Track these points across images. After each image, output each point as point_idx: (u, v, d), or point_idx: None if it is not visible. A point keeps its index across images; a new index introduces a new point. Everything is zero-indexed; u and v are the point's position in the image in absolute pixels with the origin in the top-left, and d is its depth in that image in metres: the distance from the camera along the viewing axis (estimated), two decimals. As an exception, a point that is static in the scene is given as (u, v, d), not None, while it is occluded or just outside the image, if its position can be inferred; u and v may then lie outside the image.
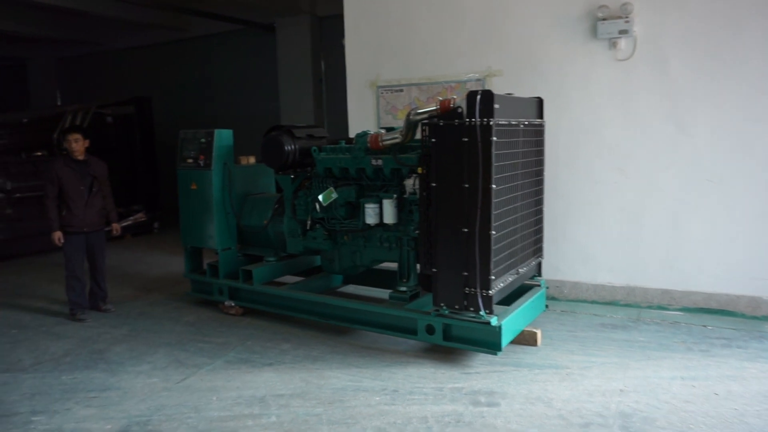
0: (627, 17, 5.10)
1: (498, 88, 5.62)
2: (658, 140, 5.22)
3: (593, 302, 5.60)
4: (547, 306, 5.16)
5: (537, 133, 4.84)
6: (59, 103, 14.73)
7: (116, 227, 5.97)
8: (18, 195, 8.54)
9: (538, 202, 4.97)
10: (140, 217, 10.17)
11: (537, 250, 5.04)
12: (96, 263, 5.83)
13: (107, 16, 11.20)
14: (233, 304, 5.58)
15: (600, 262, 5.58)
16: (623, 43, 5.21)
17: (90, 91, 13.90)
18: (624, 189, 5.40)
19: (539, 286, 5.05)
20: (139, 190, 10.26)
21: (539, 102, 4.94)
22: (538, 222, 5.00)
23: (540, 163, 4.94)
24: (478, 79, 5.86)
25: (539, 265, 5.12)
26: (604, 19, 5.18)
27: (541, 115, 4.96)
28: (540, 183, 4.97)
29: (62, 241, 5.52)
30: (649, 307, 5.38)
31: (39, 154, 9.01)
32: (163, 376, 4.25)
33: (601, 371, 4.08)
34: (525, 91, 5.16)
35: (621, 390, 3.79)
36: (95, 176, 5.68)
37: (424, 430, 3.37)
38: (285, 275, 6.13)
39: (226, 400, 3.82)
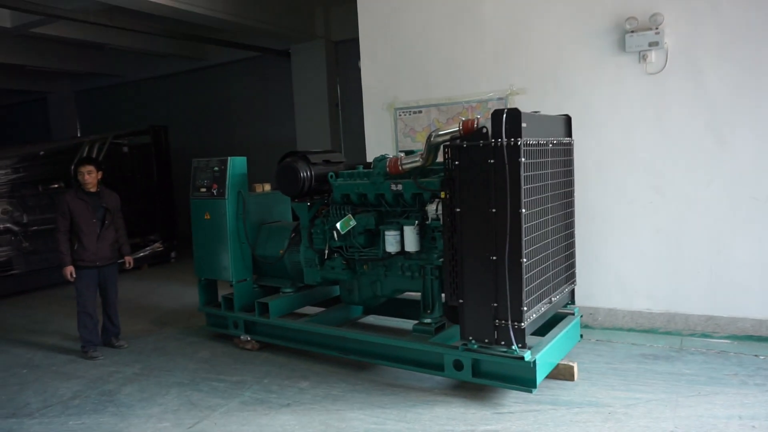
0: (657, 29, 4.84)
1: (521, 106, 5.31)
2: (695, 156, 4.91)
3: (630, 330, 5.24)
4: (581, 336, 4.82)
5: (566, 153, 4.57)
6: (79, 135, 14.84)
7: (129, 260, 5.79)
8: (35, 228, 8.46)
9: (569, 226, 4.67)
10: (157, 247, 10.05)
11: (569, 277, 4.72)
12: (108, 298, 5.64)
13: (126, 48, 11.26)
14: (249, 339, 5.33)
15: (636, 288, 5.24)
16: (654, 55, 4.94)
17: (109, 122, 13.96)
18: (660, 209, 5.08)
19: (573, 314, 4.73)
20: (155, 219, 10.15)
21: (567, 120, 4.68)
22: (570, 246, 4.69)
23: (570, 184, 4.65)
24: (500, 98, 5.62)
25: (572, 292, 4.80)
26: (632, 32, 4.93)
27: (569, 134, 4.69)
28: (570, 205, 4.67)
29: (74, 276, 5.34)
30: (692, 335, 5.01)
31: (56, 186, 8.94)
32: (175, 420, 4.00)
33: (647, 409, 3.73)
34: (550, 109, 4.91)
35: (673, 431, 3.44)
36: (108, 208, 5.51)
37: (456, 482, 3.06)
38: (304, 306, 5.88)
39: (241, 448, 3.55)
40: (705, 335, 4.96)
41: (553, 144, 4.22)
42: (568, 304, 4.78)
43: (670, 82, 4.95)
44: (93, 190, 5.46)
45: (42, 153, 8.80)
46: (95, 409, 4.26)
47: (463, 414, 3.84)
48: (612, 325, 5.33)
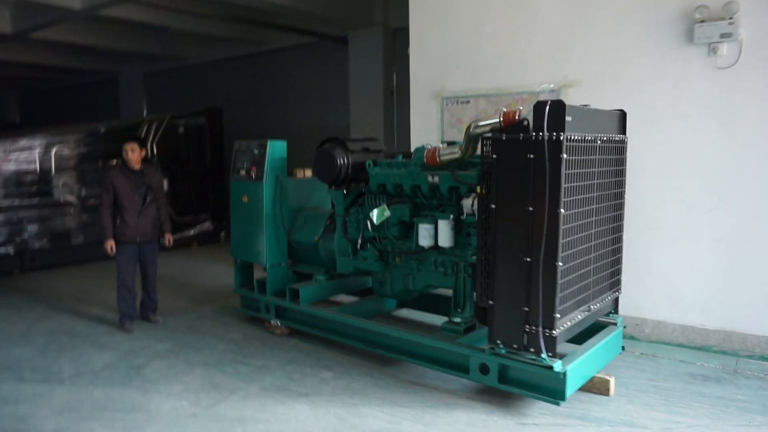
0: (731, 18, 4.40)
1: (575, 99, 5.05)
2: (766, 161, 4.46)
3: (680, 346, 4.85)
4: (623, 348, 4.50)
5: (618, 151, 4.25)
6: (145, 115, 15.37)
7: (169, 238, 5.87)
8: (93, 201, 8.79)
9: (617, 230, 4.35)
10: (207, 226, 10.25)
11: (614, 284, 4.41)
12: (147, 274, 5.76)
13: (189, 31, 11.50)
14: (279, 324, 5.30)
15: (690, 301, 4.83)
16: (726, 48, 4.50)
17: (174, 103, 14.36)
18: (722, 217, 4.66)
19: (615, 324, 4.41)
20: (207, 199, 10.36)
21: (622, 115, 4.34)
22: (617, 252, 4.38)
23: (620, 184, 4.32)
24: (553, 90, 5.31)
25: (616, 300, 4.48)
26: (702, 21, 4.51)
27: (623, 131, 4.35)
28: (620, 207, 4.35)
29: (114, 250, 5.46)
30: (750, 357, 4.58)
31: (114, 162, 9.26)
32: (194, 399, 4.00)
33: (687, 436, 3.42)
34: (606, 103, 4.56)
35: (713, 463, 3.12)
36: (150, 186, 5.59)
37: (465, 494, 2.88)
38: (337, 295, 5.80)
39: (252, 435, 3.50)
40: (764, 358, 4.52)
41: (602, 141, 3.92)
42: (611, 312, 4.47)
43: (743, 78, 4.50)
44: (137, 167, 5.55)
45: (102, 131, 9.11)
46: (122, 381, 4.33)
47: (484, 421, 3.64)
48: (660, 338, 4.95)
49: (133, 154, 5.49)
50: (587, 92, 5.09)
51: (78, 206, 8.70)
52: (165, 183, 9.81)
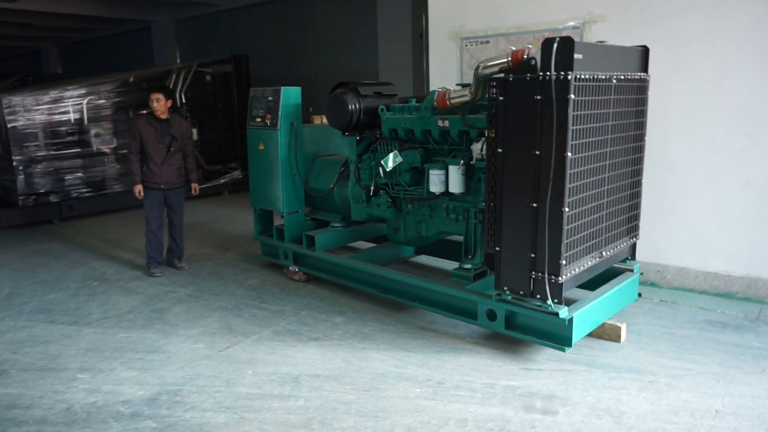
0: (770, -60, 4.02)
1: (600, 36, 4.80)
2: (803, 99, 4.15)
3: (702, 292, 4.71)
4: (640, 294, 4.39)
5: (638, 90, 4.01)
6: (178, 62, 15.44)
7: (195, 187, 5.99)
8: (124, 151, 8.99)
9: (636, 173, 4.17)
10: (237, 174, 10.39)
11: (631, 230, 4.27)
12: (174, 221, 5.93)
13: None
14: (296, 270, 5.40)
15: (715, 246, 4.65)
16: (763, -26, 4.14)
17: (205, 51, 14.36)
18: (753, 159, 4.40)
19: (632, 271, 4.30)
20: (236, 147, 10.45)
21: (643, 52, 4.08)
22: (635, 196, 4.21)
23: (640, 126, 4.11)
24: (576, 27, 5.03)
25: (633, 246, 4.35)
26: (738, -55, 4.13)
27: (645, 68, 4.10)
28: (640, 150, 4.15)
29: (142, 194, 5.66)
30: (776, 305, 4.42)
31: (144, 112, 9.39)
32: (209, 342, 4.16)
33: (695, 383, 3.35)
34: (634, 40, 4.30)
35: (717, 411, 3.06)
36: (174, 136, 5.68)
37: (459, 436, 2.93)
38: (355, 241, 5.85)
39: (261, 376, 3.62)
40: (791, 306, 4.36)
41: (618, 80, 3.70)
42: (627, 259, 4.35)
43: (782, 8, 4.15)
44: (163, 116, 5.64)
45: (131, 80, 9.20)
46: (144, 324, 4.53)
47: (489, 366, 3.65)
48: (682, 285, 4.82)
49: (159, 104, 5.57)
50: (612, 29, 4.82)
51: (112, 155, 8.93)
52: (194, 132, 9.94)
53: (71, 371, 3.78)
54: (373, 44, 10.79)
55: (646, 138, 4.16)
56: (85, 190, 8.73)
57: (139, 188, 5.66)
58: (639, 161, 4.18)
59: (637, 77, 3.95)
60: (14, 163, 8.02)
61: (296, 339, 4.15)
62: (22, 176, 8.09)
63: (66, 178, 8.55)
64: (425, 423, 3.05)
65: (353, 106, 4.82)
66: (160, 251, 5.90)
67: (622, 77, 3.76)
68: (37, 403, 3.38)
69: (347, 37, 11.69)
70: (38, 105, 8.30)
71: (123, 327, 4.49)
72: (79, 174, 8.68)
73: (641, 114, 4.10)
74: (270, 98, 5.35)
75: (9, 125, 7.97)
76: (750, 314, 4.30)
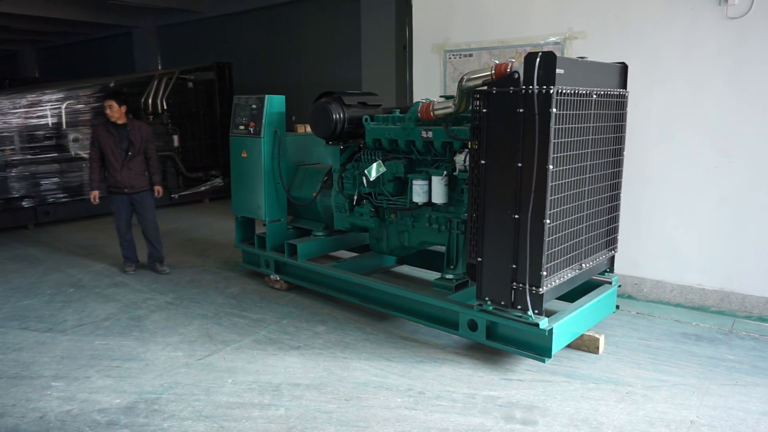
0: (744, -36, 4.16)
1: (580, 52, 4.89)
2: (775, 117, 4.28)
3: (678, 305, 4.81)
4: (617, 307, 4.46)
5: (617, 106, 4.10)
6: (160, 69, 15.32)
7: (158, 189, 6.00)
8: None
9: (615, 187, 4.25)
10: (218, 182, 10.33)
11: (610, 242, 4.34)
12: (145, 224, 5.95)
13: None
14: (278, 279, 5.37)
15: (690, 260, 4.76)
16: (738, -4, 4.27)
17: (187, 58, 14.28)
18: (727, 175, 4.52)
19: (610, 283, 4.37)
20: (218, 155, 10.39)
21: (622, 68, 4.17)
22: (613, 210, 4.29)
23: (619, 140, 4.20)
24: (557, 42, 5.13)
25: (612, 259, 4.42)
26: (714, -32, 4.27)
27: (623, 84, 4.19)
28: (618, 165, 4.24)
29: (97, 200, 5.83)
30: (748, 318, 4.52)
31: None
32: (189, 350, 4.11)
33: (671, 394, 3.41)
34: (612, 56, 4.41)
35: (692, 421, 3.12)
36: (132, 140, 5.71)
37: (440, 446, 2.93)
38: (337, 251, 5.84)
39: (241, 384, 3.59)
40: (762, 319, 4.46)
41: (598, 95, 3.78)
42: (606, 271, 4.42)
43: (754, 29, 4.28)
44: (120, 122, 5.69)
45: (112, 85, 9.11)
46: (121, 332, 4.46)
47: (470, 376, 3.67)
48: (658, 298, 4.91)
49: (111, 110, 5.65)
50: (593, 45, 4.92)
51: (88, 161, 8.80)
52: (175, 139, 9.87)
53: (45, 379, 3.70)
54: (356, 55, 10.86)
55: (625, 152, 4.24)
56: (61, 195, 8.59)
57: (94, 194, 5.87)
58: (618, 175, 4.26)
59: (616, 93, 4.04)
60: (-11, 167, 7.87)
61: (277, 348, 4.13)
62: (-3, 180, 7.93)
63: (42, 182, 8.40)
64: (406, 432, 3.05)
65: (337, 116, 4.84)
66: (133, 250, 6.01)
67: (602, 92, 3.84)
68: (9, 411, 3.30)
69: (331, 46, 11.75)
70: (15, 108, 8.16)
71: (100, 334, 4.42)
72: (56, 179, 8.54)
73: (620, 129, 4.18)
74: (254, 106, 5.35)
75: (-16, 128, 7.83)
76: (723, 327, 4.39)
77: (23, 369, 3.85)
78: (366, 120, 4.79)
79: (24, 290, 5.48)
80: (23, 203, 8.18)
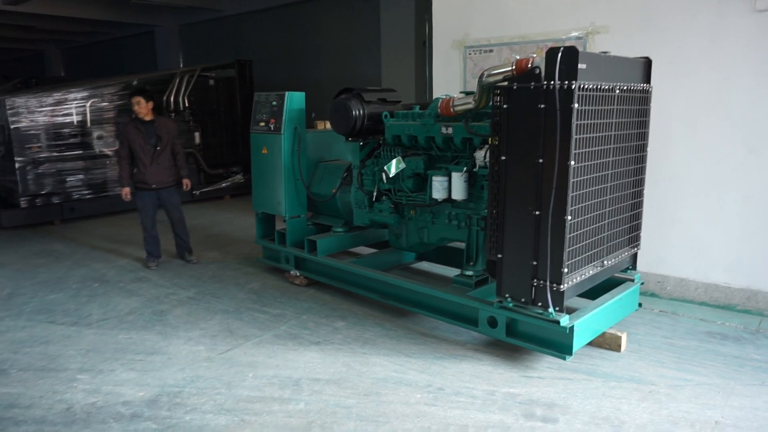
0: (773, -45, 4.07)
1: (603, 47, 4.82)
2: (804, 112, 4.18)
3: (702, 304, 4.73)
4: (640, 304, 4.41)
5: (640, 101, 4.05)
6: (182, 66, 15.48)
7: (186, 183, 6.16)
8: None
9: (638, 183, 4.19)
10: (239, 179, 10.41)
11: (632, 239, 4.29)
12: (173, 218, 6.10)
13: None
14: (298, 274, 5.41)
15: (715, 258, 4.67)
16: (766, -12, 4.18)
17: (209, 56, 14.42)
18: (754, 172, 4.43)
19: (633, 280, 4.31)
20: (238, 151, 10.47)
21: (646, 63, 4.11)
22: (636, 206, 4.23)
23: (643, 136, 4.14)
24: (579, 38, 5.06)
25: (634, 256, 4.36)
26: (741, -41, 4.18)
27: (647, 79, 4.13)
28: (641, 161, 4.18)
29: (129, 197, 5.90)
30: (776, 317, 4.43)
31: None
32: (210, 344, 4.16)
33: (695, 393, 3.36)
34: (636, 51, 4.35)
35: (717, 422, 3.07)
36: (160, 136, 5.83)
37: (459, 442, 2.93)
38: (357, 246, 5.86)
39: (261, 379, 3.62)
40: (790, 318, 4.37)
41: (621, 90, 3.73)
42: (628, 269, 4.36)
43: (784, 22, 4.19)
44: (147, 118, 5.81)
45: (135, 83, 9.23)
46: (144, 326, 4.53)
47: (489, 373, 3.66)
48: (682, 296, 4.83)
49: (139, 107, 5.77)
50: (615, 40, 4.85)
51: (114, 158, 8.94)
52: (197, 136, 9.98)
53: (71, 372, 3.78)
54: (376, 51, 10.86)
55: (648, 149, 4.18)
56: (86, 191, 8.75)
57: (126, 191, 5.95)
58: (641, 171, 4.20)
59: (639, 88, 3.98)
60: (16, 164, 8.04)
61: (297, 343, 4.16)
62: (24, 177, 8.10)
63: (68, 179, 8.56)
64: (425, 428, 3.05)
65: (357, 112, 4.85)
66: (157, 246, 6.12)
67: (625, 88, 3.79)
68: (36, 403, 3.38)
69: (351, 43, 11.76)
70: (41, 107, 8.32)
71: (123, 328, 4.49)
72: (81, 176, 8.70)
73: (643, 125, 4.13)
74: (274, 103, 5.38)
75: (12, 126, 8.00)
76: (750, 326, 4.31)
77: (50, 362, 3.93)
78: (386, 116, 4.78)
79: (51, 284, 5.60)
80: (50, 199, 8.35)
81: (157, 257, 6.09)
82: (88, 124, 8.74)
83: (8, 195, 8.46)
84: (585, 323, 3.67)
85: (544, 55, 3.35)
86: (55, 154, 8.41)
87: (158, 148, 5.83)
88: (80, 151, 8.67)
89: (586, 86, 3.33)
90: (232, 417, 3.19)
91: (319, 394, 3.42)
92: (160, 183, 5.89)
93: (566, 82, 3.26)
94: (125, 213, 8.96)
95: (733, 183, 4.51)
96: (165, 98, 9.73)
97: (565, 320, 3.52)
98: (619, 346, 3.91)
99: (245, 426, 3.10)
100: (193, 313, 4.78)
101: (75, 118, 8.66)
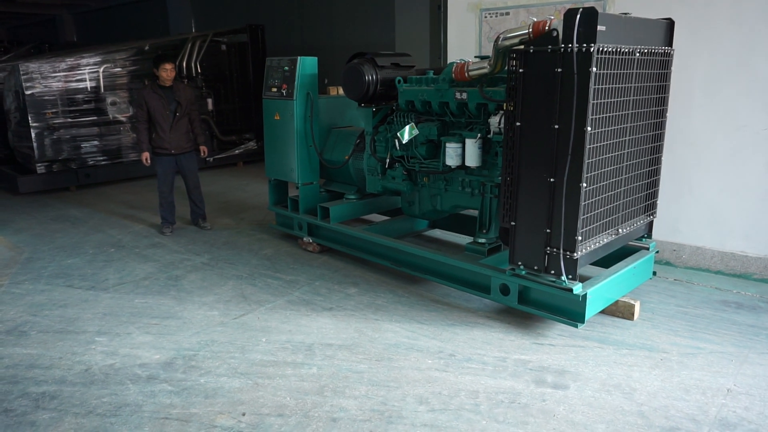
0: None
1: (623, 8, 4.66)
2: (832, 76, 4.04)
3: (718, 273, 4.68)
4: (654, 273, 4.37)
5: (661, 65, 3.93)
6: (194, 31, 15.32)
7: (204, 149, 6.18)
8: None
9: (656, 150, 4.11)
10: (252, 145, 10.39)
11: (648, 207, 4.22)
12: (189, 184, 6.14)
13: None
14: (311, 241, 5.43)
15: (733, 226, 4.60)
16: (797, -55, 3.99)
17: (220, 21, 14.24)
18: (776, 138, 4.31)
19: (647, 249, 4.27)
20: (251, 118, 10.43)
21: (668, 25, 3.97)
22: (653, 174, 4.16)
23: (662, 101, 4.03)
24: (599, -1, 4.90)
25: (650, 225, 4.31)
26: None
27: (669, 42, 4.00)
28: (660, 127, 4.08)
29: (149, 161, 5.90)
30: (793, 286, 4.37)
31: (146, 82, 9.36)
32: (224, 309, 4.21)
33: (707, 361, 3.34)
34: (657, 12, 4.19)
35: (729, 390, 3.06)
36: (180, 102, 5.83)
37: (470, 407, 2.95)
38: (369, 214, 5.85)
39: (275, 343, 3.67)
40: (808, 288, 4.31)
41: (641, 53, 3.62)
42: (644, 237, 4.31)
43: (814, -18, 4.01)
44: (168, 84, 5.74)
45: (147, 48, 9.17)
46: (160, 291, 4.59)
47: (501, 340, 3.67)
48: (697, 265, 4.78)
49: (167, 73, 5.79)
50: (637, 1, 4.68)
51: (128, 124, 8.96)
52: (209, 102, 9.93)
53: (89, 334, 3.85)
54: (390, 15, 10.63)
55: (668, 114, 4.08)
56: (101, 157, 8.80)
57: (146, 155, 5.94)
58: (659, 138, 4.11)
59: (660, 51, 3.86)
60: (32, 130, 8.08)
61: (310, 309, 4.19)
62: (41, 143, 8.15)
63: (83, 145, 8.60)
64: (436, 394, 3.08)
65: (370, 77, 4.77)
66: (172, 212, 6.16)
67: (646, 51, 3.67)
68: (56, 364, 3.46)
69: (364, 8, 11.53)
70: (55, 72, 8.31)
71: (139, 293, 4.56)
72: (96, 142, 8.74)
73: (663, 89, 4.02)
74: (286, 68, 5.31)
75: (26, 92, 8.01)
76: (766, 295, 4.26)
77: (68, 324, 4.01)
78: (399, 81, 4.70)
79: (68, 249, 5.68)
80: (66, 165, 8.40)
81: (171, 223, 6.14)
82: (102, 90, 8.72)
83: (25, 161, 8.53)
84: (598, 291, 3.65)
85: (561, 18, 3.25)
86: (70, 120, 8.44)
87: (177, 114, 5.84)
88: (94, 117, 8.69)
89: (606, 49, 3.23)
90: (246, 380, 3.25)
91: (332, 359, 3.46)
92: (178, 148, 5.91)
93: (584, 45, 3.16)
94: (140, 180, 9.03)
95: (754, 149, 4.41)
96: (177, 63, 9.65)
97: (578, 288, 3.50)
98: (632, 314, 3.89)
99: (258, 389, 3.15)
100: (207, 278, 4.83)
101: (88, 84, 8.65)
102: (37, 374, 3.35)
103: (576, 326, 3.57)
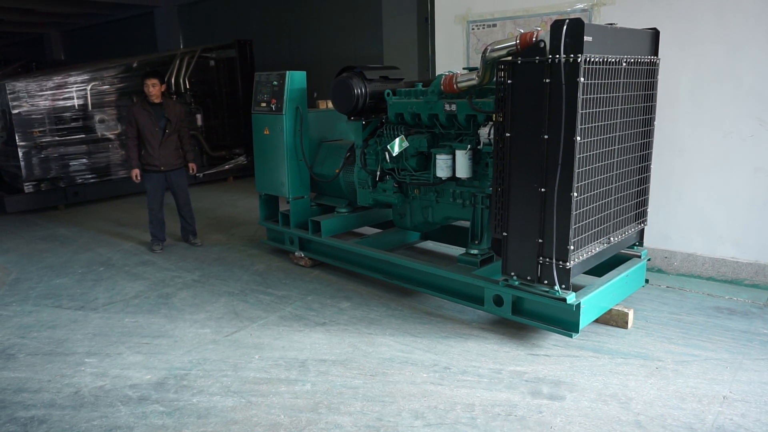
0: None
1: (609, 19, 4.72)
2: (815, 82, 4.09)
3: (710, 279, 4.69)
4: (647, 281, 4.37)
5: (647, 74, 3.96)
6: (182, 47, 15.33)
7: (192, 167, 6.15)
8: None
9: (644, 158, 4.13)
10: (242, 160, 10.36)
11: (639, 215, 4.24)
12: (178, 200, 6.09)
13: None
14: (303, 255, 5.39)
15: (723, 233, 4.62)
16: (777, -45, 4.06)
17: (209, 37, 14.26)
18: (762, 144, 4.35)
19: (639, 257, 4.27)
20: (240, 133, 10.41)
21: (653, 34, 4.02)
22: (643, 182, 4.18)
23: (650, 110, 4.06)
24: (585, 10, 4.95)
25: (641, 232, 4.32)
26: (752, -75, 4.05)
27: (655, 51, 4.04)
28: (648, 135, 4.11)
29: (139, 178, 5.86)
30: (784, 291, 4.39)
31: (134, 99, 9.33)
32: (216, 327, 4.16)
33: (702, 369, 3.34)
34: (643, 22, 4.26)
35: (725, 397, 3.05)
36: (169, 118, 5.79)
37: (466, 421, 2.92)
38: (361, 227, 5.84)
39: (268, 360, 3.63)
40: (799, 292, 4.33)
41: (628, 63, 3.65)
42: (635, 245, 4.32)
43: (795, -10, 4.07)
44: (157, 101, 5.76)
45: (135, 65, 9.15)
46: (150, 309, 4.53)
47: (495, 352, 3.65)
48: (689, 272, 4.79)
49: (155, 89, 5.72)
50: (622, 12, 4.75)
51: (116, 141, 8.91)
52: (199, 118, 9.91)
53: (78, 355, 3.79)
54: (377, 28, 10.70)
55: (655, 122, 4.11)
56: (90, 175, 8.73)
57: (136, 172, 5.90)
58: (648, 146, 4.14)
59: (646, 60, 3.90)
60: (19, 149, 8.01)
61: (303, 324, 4.16)
62: (28, 162, 8.08)
63: (71, 164, 8.53)
64: (432, 408, 3.05)
65: (359, 91, 4.78)
66: (162, 229, 6.11)
67: (632, 60, 3.71)
68: (45, 387, 3.40)
69: (352, 21, 11.60)
70: (42, 91, 8.26)
71: (129, 312, 4.50)
72: (84, 160, 8.67)
73: (651, 98, 4.05)
74: (275, 83, 5.31)
75: (13, 111, 7.95)
76: (758, 301, 4.28)
77: (57, 346, 3.95)
78: (388, 94, 4.72)
79: (56, 269, 5.61)
80: (54, 184, 8.33)
81: (161, 240, 6.09)
82: (90, 107, 8.68)
83: (12, 180, 8.45)
84: (591, 300, 3.65)
85: (548, 29, 3.27)
86: (58, 138, 8.38)
87: (167, 130, 5.81)
88: (82, 135, 8.63)
89: (593, 59, 3.26)
90: (239, 399, 3.20)
91: (326, 375, 3.42)
92: (168, 165, 5.88)
93: (572, 56, 3.19)
94: (128, 197, 8.97)
95: (742, 156, 4.44)
96: (166, 80, 9.64)
97: (571, 298, 3.49)
98: (626, 322, 3.88)
99: (252, 407, 3.11)
100: (199, 295, 4.79)
101: (76, 102, 8.60)
102: (25, 398, 3.28)
103: (570, 336, 3.56)
